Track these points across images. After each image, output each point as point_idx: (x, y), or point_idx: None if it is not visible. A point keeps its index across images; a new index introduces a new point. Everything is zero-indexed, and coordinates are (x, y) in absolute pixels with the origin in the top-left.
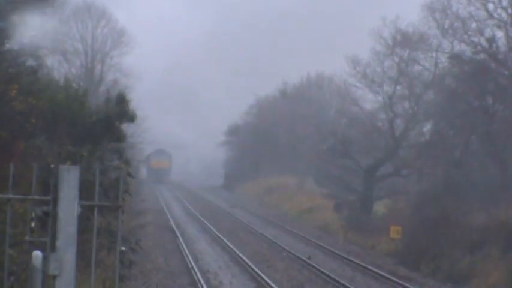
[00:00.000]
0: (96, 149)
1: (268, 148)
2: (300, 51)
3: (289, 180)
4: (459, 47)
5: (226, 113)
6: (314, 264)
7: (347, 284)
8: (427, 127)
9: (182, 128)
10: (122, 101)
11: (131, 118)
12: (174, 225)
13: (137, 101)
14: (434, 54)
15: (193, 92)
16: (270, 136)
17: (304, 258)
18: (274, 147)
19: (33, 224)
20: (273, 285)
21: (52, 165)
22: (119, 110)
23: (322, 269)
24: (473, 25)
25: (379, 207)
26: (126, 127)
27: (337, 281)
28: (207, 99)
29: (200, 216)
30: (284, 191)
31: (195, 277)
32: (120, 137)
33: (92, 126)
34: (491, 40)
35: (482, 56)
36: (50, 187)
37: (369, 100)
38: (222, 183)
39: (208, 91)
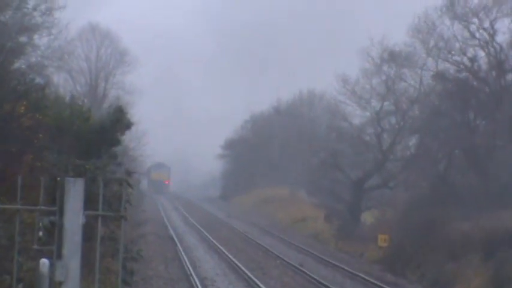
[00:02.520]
0: (98, 161)
1: (263, 161)
2: (292, 69)
3: (282, 191)
4: (443, 65)
5: (223, 128)
6: (306, 271)
7: None
8: (413, 141)
9: (181, 141)
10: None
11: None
12: (173, 234)
13: (139, 117)
14: (419, 72)
15: (192, 108)
16: (265, 150)
17: (297, 265)
18: (269, 160)
19: (40, 233)
20: None
21: (58, 178)
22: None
23: (313, 276)
24: (457, 45)
25: (368, 217)
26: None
27: (328, 287)
28: (204, 114)
29: (198, 226)
30: (278, 202)
31: (194, 283)
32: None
33: (94, 139)
34: (473, 59)
35: (464, 74)
36: (56, 198)
37: (358, 115)
38: (219, 194)
39: (206, 106)
